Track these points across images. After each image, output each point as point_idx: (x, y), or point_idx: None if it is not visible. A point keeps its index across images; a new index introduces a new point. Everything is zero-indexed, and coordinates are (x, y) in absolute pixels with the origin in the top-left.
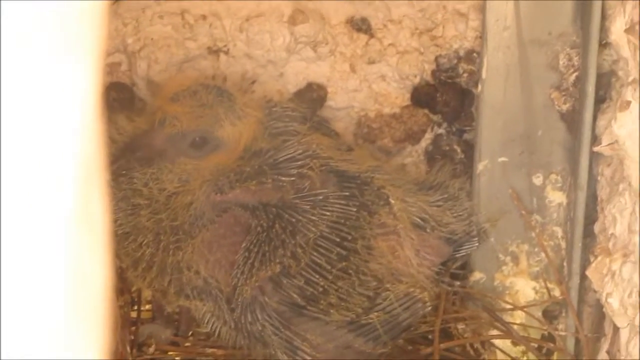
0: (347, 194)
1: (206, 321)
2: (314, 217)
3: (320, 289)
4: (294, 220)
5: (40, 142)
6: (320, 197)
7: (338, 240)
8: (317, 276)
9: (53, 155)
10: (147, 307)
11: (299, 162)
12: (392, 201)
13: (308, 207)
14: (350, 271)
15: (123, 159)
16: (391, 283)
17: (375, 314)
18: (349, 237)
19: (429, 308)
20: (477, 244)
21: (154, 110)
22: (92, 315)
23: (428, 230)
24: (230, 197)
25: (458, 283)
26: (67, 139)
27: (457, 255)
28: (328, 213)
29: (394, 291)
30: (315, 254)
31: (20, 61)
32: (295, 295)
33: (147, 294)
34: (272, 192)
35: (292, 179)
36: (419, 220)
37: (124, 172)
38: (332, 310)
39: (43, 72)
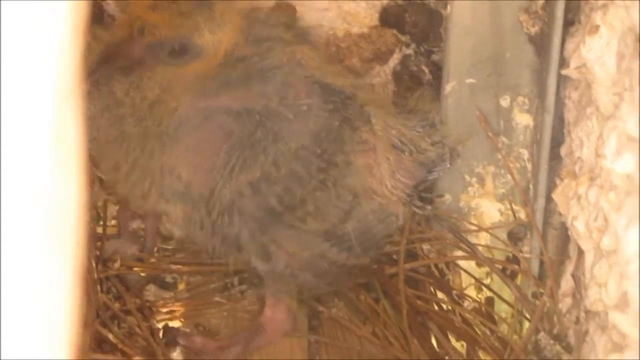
0: (330, 107)
1: (183, 226)
2: (296, 127)
3: (298, 198)
4: (276, 128)
5: (19, 64)
6: (304, 108)
7: (319, 152)
8: (296, 185)
9: (30, 78)
10: (113, 222)
11: (284, 71)
12: (374, 120)
13: (291, 116)
14: (329, 183)
15: (102, 69)
16: (366, 199)
17: (350, 225)
18: (330, 150)
19: (401, 222)
20: (448, 167)
21: (132, 20)
22: (67, 233)
23: (406, 153)
24: (214, 103)
25: (429, 207)
26: (44, 61)
27: (429, 178)
28: (311, 124)
29: (368, 205)
30: (295, 163)
31: None
32: (273, 202)
33: (112, 209)
34: (257, 99)
35: (277, 86)
36: (398, 142)
37: (104, 82)
38: (308, 219)
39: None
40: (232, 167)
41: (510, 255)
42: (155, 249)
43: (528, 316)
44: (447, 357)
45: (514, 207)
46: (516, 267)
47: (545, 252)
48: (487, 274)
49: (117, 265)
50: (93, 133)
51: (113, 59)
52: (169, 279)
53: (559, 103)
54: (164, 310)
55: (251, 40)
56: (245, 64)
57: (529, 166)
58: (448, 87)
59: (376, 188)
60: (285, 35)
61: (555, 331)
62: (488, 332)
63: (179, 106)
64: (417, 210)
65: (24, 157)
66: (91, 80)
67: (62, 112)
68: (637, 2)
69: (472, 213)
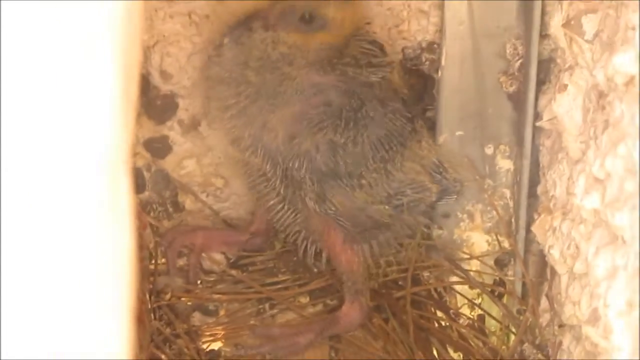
0: (409, 115)
1: (256, 182)
2: (382, 122)
3: (359, 172)
4: (370, 115)
5: (74, 138)
6: (391, 109)
7: (387, 146)
8: (362, 162)
9: (83, 151)
10: (162, 260)
11: (387, 68)
12: (424, 142)
13: (382, 111)
14: (385, 172)
15: (242, 26)
16: (411, 184)
17: (392, 202)
18: (395, 147)
19: (433, 198)
20: (455, 197)
21: None
22: (121, 278)
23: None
24: (326, 80)
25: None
26: (96, 136)
27: (440, 203)
28: (394, 124)
29: (411, 187)
30: (369, 147)
31: (52, 62)
32: (340, 165)
33: (161, 250)
34: (362, 87)
35: (380, 82)
36: (433, 166)
37: (243, 37)
38: (358, 190)
39: (72, 72)
40: (322, 126)
41: (497, 278)
42: (199, 281)
43: (514, 330)
44: None
45: (499, 238)
46: (502, 288)
47: (526, 275)
48: (479, 295)
49: (167, 296)
50: (221, 74)
51: (253, 19)
52: (211, 306)
53: (535, 150)
54: (208, 333)
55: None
56: (360, 46)
57: (511, 203)
58: (441, 139)
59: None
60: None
61: (537, 342)
62: (481, 344)
63: (298, 77)
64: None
65: (84, 207)
66: (232, 36)
67: (115, 170)
68: (599, 64)
69: (464, 244)
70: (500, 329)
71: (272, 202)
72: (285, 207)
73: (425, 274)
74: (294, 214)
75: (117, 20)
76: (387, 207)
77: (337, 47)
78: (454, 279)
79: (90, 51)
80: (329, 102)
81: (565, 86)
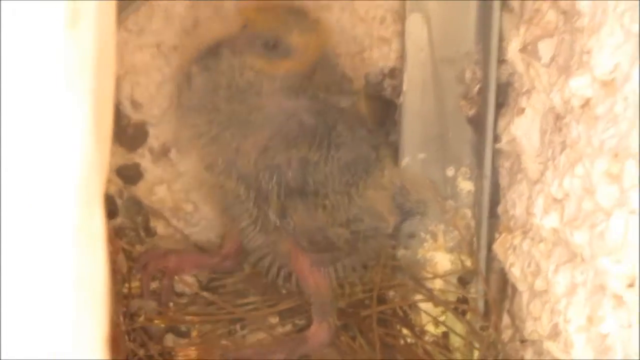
0: (374, 142)
1: (230, 205)
2: (351, 147)
3: (324, 193)
4: (339, 140)
5: (50, 166)
6: (360, 135)
7: (352, 171)
8: (331, 181)
9: (59, 178)
10: (135, 284)
11: (355, 96)
12: (387, 167)
13: (349, 135)
14: (348, 197)
15: (211, 52)
16: (370, 212)
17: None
18: (359, 174)
19: (390, 230)
20: (419, 217)
21: (240, 16)
22: (96, 301)
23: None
24: (296, 104)
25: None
26: (70, 165)
27: (405, 221)
28: (360, 148)
29: (369, 216)
30: (336, 169)
31: (26, 93)
32: (309, 182)
33: (134, 274)
34: (332, 111)
35: (347, 105)
36: (395, 187)
37: (211, 63)
38: (320, 210)
39: (50, 103)
40: (296, 144)
41: (461, 296)
42: (171, 303)
43: (477, 346)
44: None
45: (461, 257)
46: (465, 306)
47: (488, 293)
48: (443, 312)
49: (141, 318)
50: (192, 102)
51: (220, 46)
52: (183, 328)
53: (495, 171)
54: (181, 354)
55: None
56: (327, 72)
57: (472, 223)
58: (404, 162)
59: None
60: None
61: (499, 357)
62: None
63: (267, 102)
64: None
65: (59, 234)
66: (201, 64)
67: (89, 197)
68: (555, 88)
69: (428, 263)
70: (464, 345)
71: (244, 224)
72: (257, 229)
73: (391, 293)
74: (264, 237)
75: (93, 53)
76: (344, 230)
77: (303, 72)
78: (419, 297)
79: (68, 83)
80: (301, 123)
81: (523, 109)
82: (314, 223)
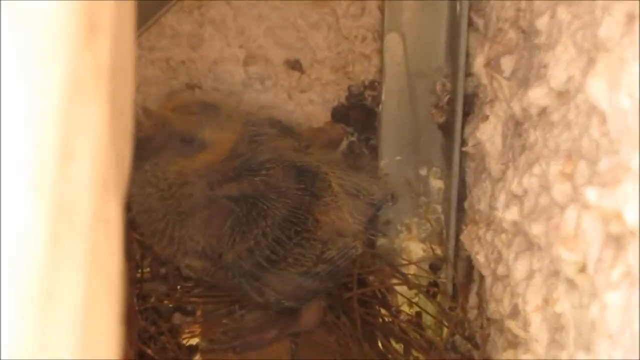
0: (302, 186)
1: (203, 275)
2: (278, 205)
3: (281, 255)
4: (265, 207)
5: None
6: (283, 190)
7: (295, 220)
8: (279, 247)
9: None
10: (147, 269)
11: (268, 165)
12: (332, 180)
13: (274, 197)
14: (303, 241)
15: (137, 152)
16: (333, 241)
17: (321, 265)
18: (303, 217)
19: (360, 251)
20: (391, 205)
21: (159, 117)
22: (112, 278)
23: (360, 197)
24: (219, 192)
25: (380, 234)
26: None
27: (377, 214)
28: (289, 201)
29: (335, 246)
30: (278, 231)
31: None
32: (263, 261)
33: (146, 260)
34: (249, 187)
35: (263, 177)
36: (353, 190)
37: (139, 163)
38: (289, 268)
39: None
40: (234, 239)
41: (432, 280)
42: (178, 286)
43: (446, 324)
44: (390, 356)
45: (432, 246)
46: (436, 289)
47: (456, 277)
48: (416, 294)
49: (152, 300)
50: (136, 206)
51: (144, 144)
52: (189, 308)
53: (462, 171)
54: (187, 330)
55: (247, 139)
56: (242, 159)
57: (442, 217)
58: (382, 163)
59: (341, 229)
60: (272, 133)
61: (466, 334)
62: (418, 337)
63: (194, 192)
64: (371, 237)
65: (84, 225)
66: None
67: (110, 193)
68: (515, 98)
69: (403, 252)
70: (435, 324)
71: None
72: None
73: (371, 277)
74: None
75: (109, 62)
76: (321, 266)
77: (223, 161)
78: (395, 281)
79: (83, 87)
80: (230, 211)
81: (487, 117)
82: (291, 283)
